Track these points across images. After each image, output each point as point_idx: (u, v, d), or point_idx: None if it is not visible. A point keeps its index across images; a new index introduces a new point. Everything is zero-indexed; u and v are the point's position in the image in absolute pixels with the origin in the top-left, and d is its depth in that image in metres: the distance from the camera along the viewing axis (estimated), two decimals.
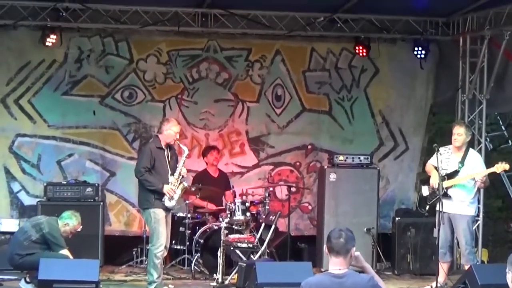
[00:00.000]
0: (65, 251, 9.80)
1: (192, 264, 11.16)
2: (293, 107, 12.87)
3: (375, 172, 12.11)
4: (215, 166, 12.23)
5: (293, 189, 12.28)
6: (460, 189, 10.34)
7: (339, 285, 5.04)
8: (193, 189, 11.42)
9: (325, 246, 5.19)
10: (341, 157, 12.03)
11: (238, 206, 11.06)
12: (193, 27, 12.07)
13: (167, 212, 10.23)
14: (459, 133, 10.41)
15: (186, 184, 10.43)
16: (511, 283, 4.48)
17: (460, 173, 10.35)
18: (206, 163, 12.20)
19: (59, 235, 9.87)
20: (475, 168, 10.34)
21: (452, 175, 10.34)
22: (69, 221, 10.01)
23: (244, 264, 9.85)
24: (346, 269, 5.11)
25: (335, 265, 5.12)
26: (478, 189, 10.66)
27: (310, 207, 12.93)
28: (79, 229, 10.11)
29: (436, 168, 10.22)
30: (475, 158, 10.51)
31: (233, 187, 12.03)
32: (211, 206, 11.79)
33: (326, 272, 5.17)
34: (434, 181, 10.34)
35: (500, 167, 10.20)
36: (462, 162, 10.37)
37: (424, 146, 13.07)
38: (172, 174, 10.19)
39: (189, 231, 11.49)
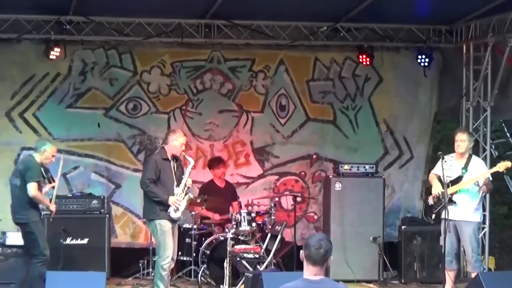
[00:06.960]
0: (32, 185, 9.76)
1: (199, 275, 11.12)
2: (298, 116, 12.88)
3: (381, 181, 12.11)
4: (222, 178, 12.26)
5: (298, 199, 12.26)
6: (464, 194, 10.29)
7: None
8: (198, 200, 11.42)
9: (302, 252, 5.16)
10: (346, 166, 12.04)
11: (244, 217, 11.06)
12: (196, 38, 12.11)
13: (173, 223, 10.21)
14: (462, 140, 10.38)
15: (191, 195, 10.42)
16: None
17: (464, 179, 10.32)
18: (213, 175, 12.22)
19: (32, 166, 9.86)
20: (479, 173, 10.31)
21: (456, 181, 10.31)
22: (44, 147, 10.03)
23: (251, 275, 9.81)
24: (322, 276, 5.09)
25: (311, 272, 5.10)
26: (484, 196, 10.63)
27: (315, 217, 12.92)
28: (56, 151, 10.20)
29: (439, 177, 10.20)
30: (478, 164, 10.47)
31: (238, 197, 12.02)
32: (216, 217, 11.80)
33: (301, 279, 5.13)
34: (436, 190, 10.32)
35: (502, 166, 10.13)
36: (465, 167, 10.33)
37: (429, 154, 13.05)
38: (178, 185, 10.19)
39: (195, 242, 11.47)
